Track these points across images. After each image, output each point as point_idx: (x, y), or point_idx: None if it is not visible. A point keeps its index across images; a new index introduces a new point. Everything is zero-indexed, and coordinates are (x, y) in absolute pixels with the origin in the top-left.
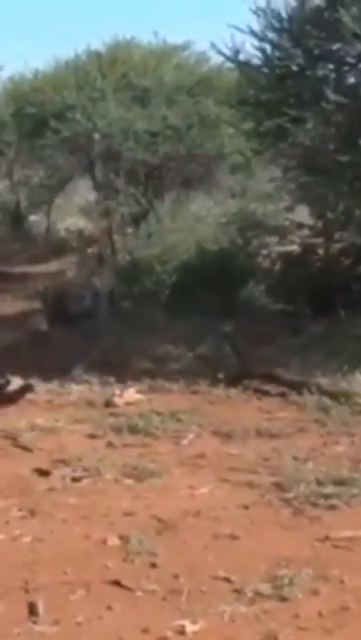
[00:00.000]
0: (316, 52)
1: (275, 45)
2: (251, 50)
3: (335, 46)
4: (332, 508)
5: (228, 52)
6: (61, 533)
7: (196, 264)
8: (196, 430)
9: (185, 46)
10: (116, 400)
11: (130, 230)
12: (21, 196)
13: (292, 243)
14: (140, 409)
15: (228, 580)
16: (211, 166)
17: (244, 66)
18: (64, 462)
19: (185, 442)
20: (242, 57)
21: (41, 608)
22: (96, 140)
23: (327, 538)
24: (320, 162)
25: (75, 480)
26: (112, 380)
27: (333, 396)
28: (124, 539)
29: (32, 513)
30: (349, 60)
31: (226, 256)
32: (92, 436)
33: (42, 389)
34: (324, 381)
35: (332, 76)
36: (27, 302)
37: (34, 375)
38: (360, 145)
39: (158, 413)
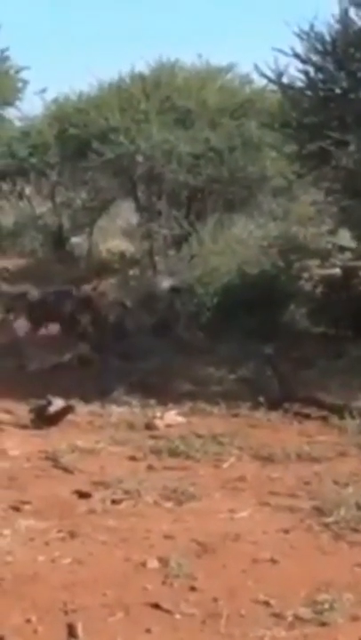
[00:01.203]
0: (359, 74)
1: (318, 68)
2: (294, 72)
3: None
4: None
5: (271, 75)
6: (101, 555)
7: (238, 286)
8: (236, 453)
9: (228, 68)
10: (157, 422)
11: (171, 252)
12: (64, 218)
13: (334, 266)
14: (181, 431)
15: (267, 604)
16: (253, 189)
17: (287, 88)
18: (104, 484)
19: (225, 465)
20: (285, 79)
21: (80, 630)
22: (139, 163)
23: None
24: None
25: (115, 502)
26: (153, 401)
27: None
28: (164, 561)
29: (72, 535)
30: None
31: (267, 279)
32: (133, 459)
33: (83, 411)
34: None
35: None
36: None
37: (75, 396)
38: None
39: (199, 436)
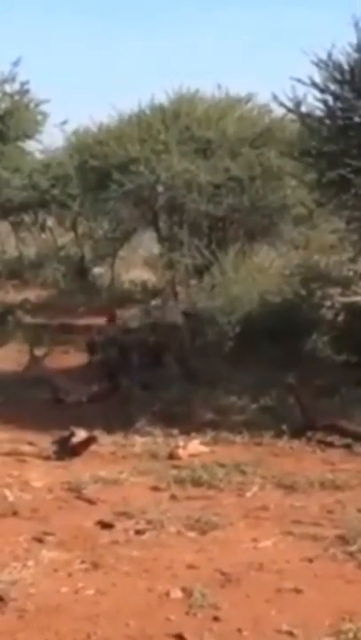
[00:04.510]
0: None
1: (337, 97)
2: (313, 101)
3: None
4: None
5: (290, 104)
6: (124, 586)
7: (260, 315)
8: (259, 482)
9: (247, 98)
10: (180, 452)
11: (193, 282)
12: (85, 249)
13: (356, 293)
14: (204, 461)
15: (291, 634)
16: (274, 218)
17: (306, 117)
18: (127, 515)
19: (249, 494)
20: (304, 108)
21: None
22: (160, 193)
23: None
24: None
25: (138, 533)
26: (175, 431)
27: None
28: (187, 592)
29: (95, 566)
30: None
31: (289, 307)
32: (156, 489)
33: (106, 441)
34: None
35: None
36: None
37: (98, 427)
38: None
39: (222, 465)
